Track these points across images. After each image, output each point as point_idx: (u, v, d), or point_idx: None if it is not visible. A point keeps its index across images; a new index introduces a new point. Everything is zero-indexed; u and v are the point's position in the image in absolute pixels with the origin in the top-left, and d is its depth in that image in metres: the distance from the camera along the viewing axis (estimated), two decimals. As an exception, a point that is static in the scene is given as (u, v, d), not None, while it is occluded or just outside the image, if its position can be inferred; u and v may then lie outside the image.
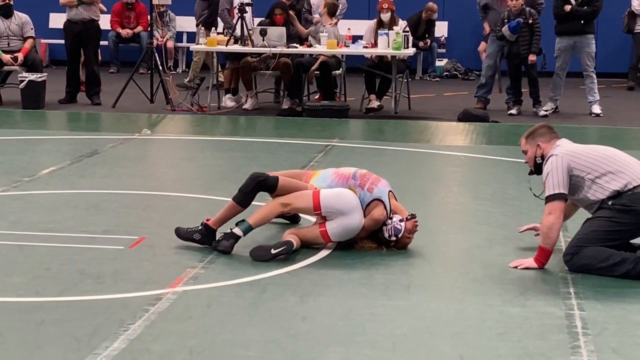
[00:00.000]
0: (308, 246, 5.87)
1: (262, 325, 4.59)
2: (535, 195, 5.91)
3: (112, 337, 4.36)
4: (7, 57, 12.43)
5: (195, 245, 5.87)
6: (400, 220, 5.84)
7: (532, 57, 12.07)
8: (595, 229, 5.48)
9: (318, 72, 12.38)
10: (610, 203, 5.46)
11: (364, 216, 5.82)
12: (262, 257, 5.62)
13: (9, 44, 12.59)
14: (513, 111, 12.45)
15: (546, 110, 12.44)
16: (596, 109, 12.45)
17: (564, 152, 5.55)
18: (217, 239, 5.81)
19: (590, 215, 5.65)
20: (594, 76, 12.45)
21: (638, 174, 5.49)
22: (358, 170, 6.03)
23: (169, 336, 4.42)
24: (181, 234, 5.90)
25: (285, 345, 4.36)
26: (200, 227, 5.87)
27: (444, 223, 6.73)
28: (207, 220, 5.92)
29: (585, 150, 5.64)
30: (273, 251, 5.62)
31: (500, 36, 12.21)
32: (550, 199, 5.48)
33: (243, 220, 5.81)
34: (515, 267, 5.53)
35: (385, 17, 12.25)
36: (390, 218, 5.86)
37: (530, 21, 12.00)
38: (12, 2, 12.71)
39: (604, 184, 5.48)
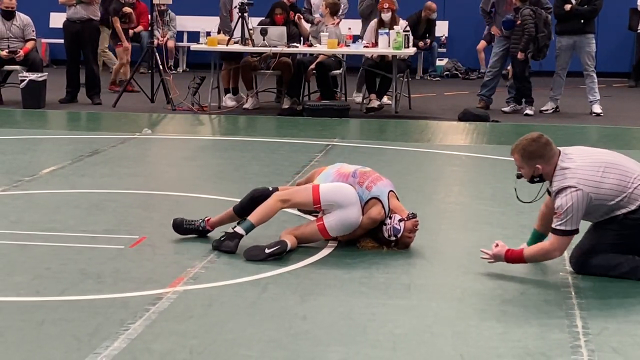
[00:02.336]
0: (308, 245, 5.88)
1: (263, 324, 4.59)
2: (520, 200, 5.55)
3: (113, 337, 4.36)
4: (4, 53, 12.41)
5: (196, 244, 5.90)
6: (400, 220, 5.84)
7: (519, 54, 12.09)
8: (603, 241, 5.35)
9: (315, 71, 12.39)
10: (622, 216, 5.29)
11: (362, 214, 5.83)
12: (256, 257, 5.61)
13: (9, 45, 12.58)
14: (506, 109, 12.48)
15: (546, 110, 12.48)
16: (597, 108, 12.46)
17: (585, 185, 5.18)
18: (219, 238, 5.82)
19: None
20: (594, 75, 12.46)
21: None
22: (359, 168, 6.03)
23: (169, 336, 4.42)
24: (178, 224, 6.10)
25: (286, 344, 4.36)
26: (199, 227, 6.06)
27: (444, 222, 6.73)
28: (207, 220, 6.06)
29: (601, 174, 5.24)
30: (267, 251, 5.62)
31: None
32: (563, 233, 5.20)
33: (244, 219, 5.82)
34: (486, 258, 5.41)
35: (386, 16, 12.26)
36: (390, 218, 5.86)
37: (519, 22, 12.01)
38: (15, 8, 12.66)
39: (624, 204, 5.26)
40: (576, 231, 5.24)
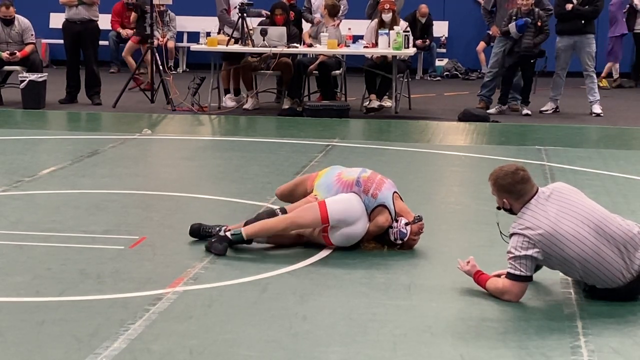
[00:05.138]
0: (308, 245, 5.87)
1: (263, 325, 4.59)
2: (503, 239, 5.11)
3: (113, 337, 4.36)
4: (5, 55, 12.43)
5: (196, 245, 5.90)
6: (406, 224, 5.83)
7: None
8: None
9: (317, 72, 12.39)
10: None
11: (369, 221, 5.82)
12: (221, 250, 5.65)
13: (8, 50, 12.56)
14: (492, 110, 12.39)
15: (546, 110, 12.49)
16: (597, 108, 12.46)
17: (540, 236, 4.86)
18: (211, 239, 5.80)
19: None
20: (594, 76, 12.48)
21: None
22: (361, 175, 5.93)
23: (169, 336, 4.42)
24: (194, 229, 5.99)
25: (286, 344, 4.36)
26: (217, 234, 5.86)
27: (444, 223, 6.72)
28: (227, 229, 5.86)
29: (574, 230, 4.86)
30: (221, 233, 5.67)
31: (505, 32, 12.19)
32: (512, 277, 4.95)
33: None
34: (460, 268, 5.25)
35: (387, 17, 12.25)
36: (396, 221, 5.85)
37: (539, 23, 12.00)
38: (13, 16, 12.65)
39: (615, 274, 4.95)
40: (528, 278, 4.93)
